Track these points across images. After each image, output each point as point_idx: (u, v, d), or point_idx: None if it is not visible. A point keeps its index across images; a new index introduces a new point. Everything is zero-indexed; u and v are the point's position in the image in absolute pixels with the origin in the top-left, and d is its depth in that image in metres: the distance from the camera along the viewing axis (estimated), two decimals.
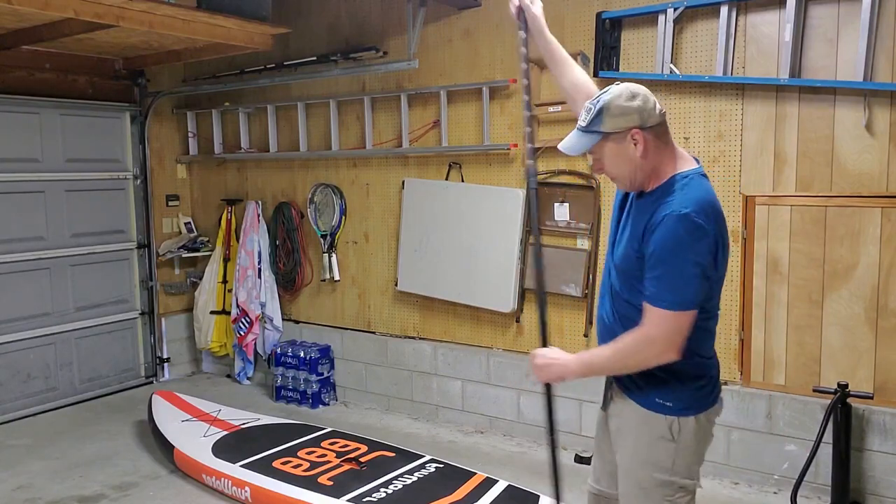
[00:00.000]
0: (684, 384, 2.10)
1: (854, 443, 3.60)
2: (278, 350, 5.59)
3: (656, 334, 2.00)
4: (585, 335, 4.43)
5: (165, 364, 6.21)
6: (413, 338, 5.21)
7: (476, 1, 4.62)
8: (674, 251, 1.96)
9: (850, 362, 3.69)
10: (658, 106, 2.06)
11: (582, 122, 2.08)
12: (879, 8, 3.43)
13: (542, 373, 2.21)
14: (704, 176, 2.11)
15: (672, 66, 3.97)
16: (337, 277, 5.48)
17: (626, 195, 2.22)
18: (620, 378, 2.19)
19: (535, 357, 2.21)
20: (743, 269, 3.93)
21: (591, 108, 2.06)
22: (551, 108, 4.35)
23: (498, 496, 3.51)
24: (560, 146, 2.16)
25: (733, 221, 3.93)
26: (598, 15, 4.14)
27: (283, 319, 5.86)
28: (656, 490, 2.13)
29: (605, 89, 2.10)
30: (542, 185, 4.51)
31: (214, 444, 4.21)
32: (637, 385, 2.15)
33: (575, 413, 4.47)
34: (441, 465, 3.89)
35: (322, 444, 4.19)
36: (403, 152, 5.02)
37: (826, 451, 3.58)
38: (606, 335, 2.21)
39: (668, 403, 2.10)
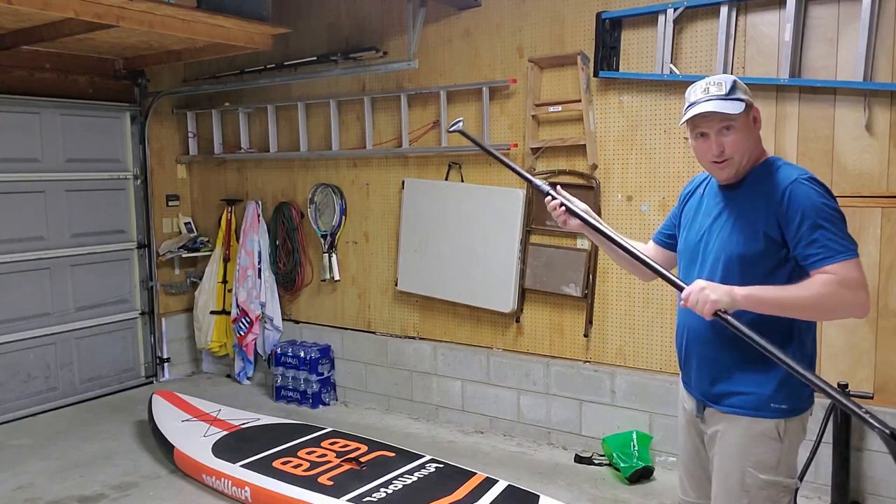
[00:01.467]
0: (795, 381, 2.02)
1: (854, 443, 3.60)
2: (278, 350, 5.59)
3: (860, 279, 1.93)
4: (585, 335, 4.43)
5: (165, 364, 6.21)
6: (413, 338, 5.21)
7: (476, 1, 4.63)
8: (823, 207, 1.97)
9: (850, 362, 3.69)
10: None
11: (720, 91, 2.04)
12: (879, 8, 3.43)
13: (701, 302, 1.96)
14: None
15: (672, 66, 3.97)
16: (337, 277, 5.48)
17: (693, 194, 2.30)
18: (725, 392, 2.12)
19: (697, 286, 1.99)
20: None
21: (720, 83, 2.05)
22: (551, 108, 4.35)
23: (498, 496, 3.51)
24: (706, 108, 2.03)
25: None
26: (598, 15, 4.14)
27: (283, 319, 5.86)
28: (760, 492, 2.09)
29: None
30: None
31: (214, 444, 4.20)
32: (742, 392, 2.09)
33: (575, 413, 4.47)
34: (441, 465, 3.89)
35: (322, 444, 4.19)
36: (403, 152, 5.02)
37: (826, 452, 3.58)
38: (698, 344, 2.17)
39: (783, 406, 2.07)
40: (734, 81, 2.06)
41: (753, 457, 2.08)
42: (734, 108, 2.02)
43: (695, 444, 2.31)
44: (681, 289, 2.03)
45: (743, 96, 2.05)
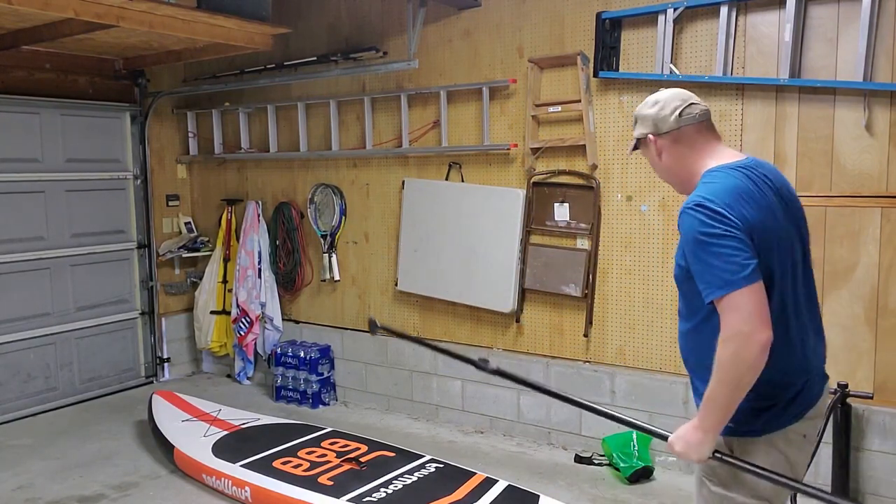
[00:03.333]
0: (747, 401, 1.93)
1: (854, 443, 3.60)
2: (278, 350, 5.59)
3: (739, 317, 1.83)
4: (585, 335, 4.43)
5: (165, 364, 6.21)
6: (413, 338, 5.20)
7: (476, 1, 4.62)
8: (698, 237, 1.89)
9: (850, 362, 3.68)
10: (680, 111, 2.05)
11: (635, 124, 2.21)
12: (879, 8, 3.43)
13: (689, 455, 1.98)
14: (741, 168, 1.99)
15: (672, 66, 3.97)
16: (337, 277, 5.48)
17: None
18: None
19: (673, 447, 2.03)
20: None
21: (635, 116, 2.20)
22: (551, 109, 4.35)
23: (498, 496, 3.51)
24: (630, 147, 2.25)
25: None
26: (598, 15, 4.14)
27: (283, 319, 5.86)
28: None
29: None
30: (542, 185, 4.52)
31: (214, 444, 4.21)
32: (697, 404, 2.07)
33: (575, 413, 4.47)
34: (441, 465, 3.89)
35: (322, 444, 4.19)
36: (403, 152, 5.02)
37: (826, 451, 3.58)
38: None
39: (729, 425, 1.95)
40: (635, 116, 2.15)
41: (710, 469, 2.07)
42: (630, 147, 2.22)
43: None
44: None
45: (635, 133, 2.16)
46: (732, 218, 1.86)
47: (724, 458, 1.96)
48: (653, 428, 2.19)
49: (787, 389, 1.99)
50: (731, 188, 1.92)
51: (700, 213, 1.89)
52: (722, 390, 1.86)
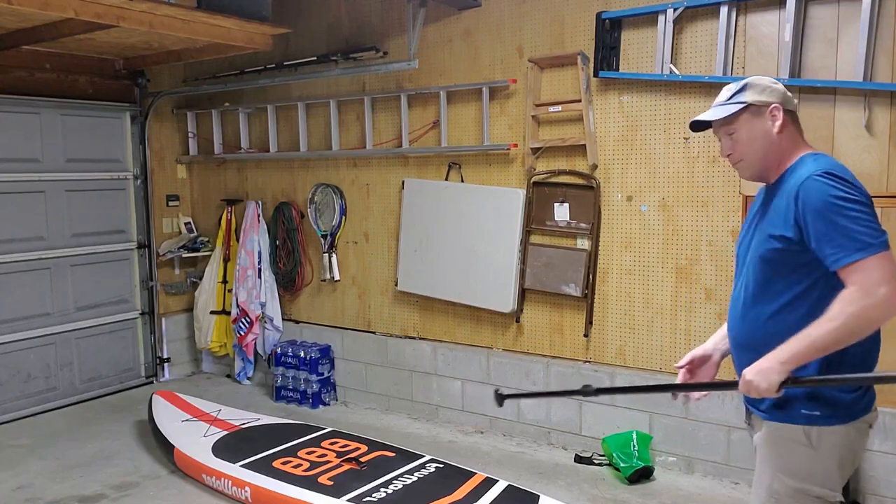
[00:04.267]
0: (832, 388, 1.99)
1: None
2: (278, 350, 5.59)
3: (882, 277, 1.84)
4: (585, 335, 4.43)
5: (165, 364, 6.21)
6: (413, 338, 5.21)
7: (476, 1, 4.62)
8: (834, 202, 1.89)
9: None
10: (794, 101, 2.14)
11: (724, 97, 2.13)
12: (879, 8, 3.43)
13: (759, 383, 1.94)
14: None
15: (672, 66, 3.97)
16: (337, 277, 5.48)
17: (755, 203, 2.25)
18: (759, 403, 2.10)
19: (744, 377, 1.98)
20: None
21: (731, 88, 2.13)
22: (551, 108, 4.35)
23: (498, 496, 3.51)
24: (701, 116, 2.16)
25: (733, 221, 3.94)
26: (598, 15, 4.14)
27: (283, 319, 5.86)
28: (788, 499, 2.04)
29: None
30: (542, 184, 4.52)
31: (214, 444, 4.21)
32: (778, 404, 2.05)
33: (575, 413, 4.47)
34: (441, 465, 3.89)
35: (322, 444, 4.19)
36: (403, 152, 5.02)
37: None
38: (739, 351, 2.17)
39: (814, 413, 2.00)
40: (746, 83, 2.10)
41: (782, 462, 2.06)
42: (722, 112, 2.09)
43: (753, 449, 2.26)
44: (734, 386, 2.04)
45: (745, 98, 2.08)
46: (863, 188, 1.94)
47: (803, 380, 1.93)
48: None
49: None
50: (843, 167, 2.00)
51: (832, 180, 1.91)
52: (828, 337, 1.87)
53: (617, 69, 4.18)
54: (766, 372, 1.92)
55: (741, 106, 2.08)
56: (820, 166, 1.97)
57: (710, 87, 3.91)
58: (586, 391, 2.31)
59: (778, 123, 2.07)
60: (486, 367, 4.83)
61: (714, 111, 2.12)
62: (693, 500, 3.85)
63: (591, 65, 4.22)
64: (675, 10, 3.92)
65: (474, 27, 4.69)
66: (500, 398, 2.57)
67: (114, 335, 5.92)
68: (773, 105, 2.07)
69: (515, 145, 4.55)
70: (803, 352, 1.90)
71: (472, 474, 3.75)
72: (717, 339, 2.35)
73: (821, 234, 1.90)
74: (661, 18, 3.97)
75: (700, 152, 4.00)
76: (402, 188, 5.09)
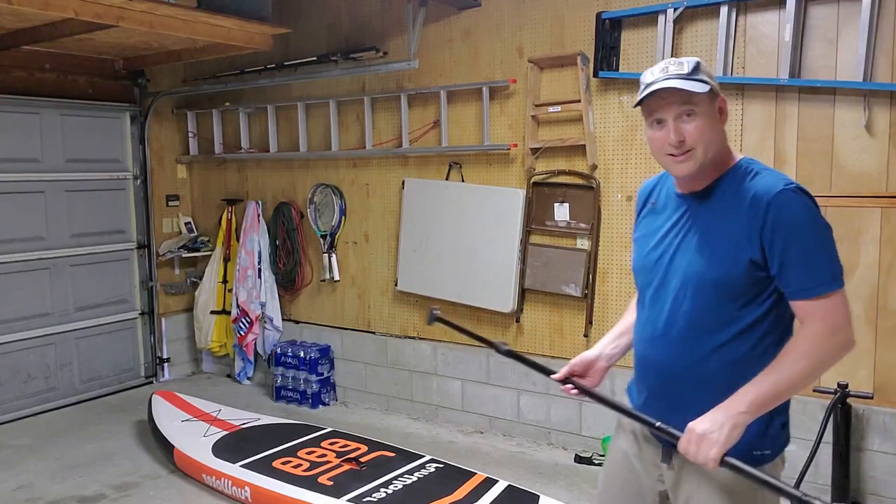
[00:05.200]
0: (773, 418, 1.78)
1: (854, 443, 3.60)
2: (278, 350, 5.59)
3: (846, 315, 1.68)
4: (585, 335, 4.43)
5: (165, 364, 6.21)
6: (413, 338, 5.21)
7: (476, 1, 4.63)
8: (812, 225, 1.68)
9: (850, 362, 3.68)
10: None
11: (680, 71, 1.75)
12: (879, 8, 3.43)
13: (704, 451, 1.67)
14: None
15: None
16: (337, 277, 5.48)
17: (646, 204, 2.00)
18: None
19: (688, 444, 1.70)
20: None
21: (681, 62, 1.77)
22: (551, 109, 4.35)
23: (498, 496, 3.51)
24: (663, 85, 1.74)
25: None
26: (598, 15, 4.14)
27: (283, 319, 5.86)
28: None
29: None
30: (542, 185, 4.52)
31: (214, 444, 4.20)
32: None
33: (575, 413, 4.47)
34: (441, 465, 3.89)
35: (322, 444, 4.19)
36: (403, 152, 5.02)
37: (826, 452, 3.58)
38: (671, 384, 1.87)
39: (765, 452, 1.80)
40: (698, 62, 1.77)
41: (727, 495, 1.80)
42: (697, 87, 1.73)
43: (637, 495, 1.98)
44: (675, 439, 1.74)
45: (707, 79, 1.76)
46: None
47: (739, 467, 1.66)
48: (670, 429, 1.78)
49: None
50: None
51: (809, 198, 1.70)
52: (798, 378, 1.66)
53: (617, 69, 4.18)
54: (727, 430, 1.64)
55: (709, 87, 1.75)
56: (785, 178, 1.74)
57: None
58: (499, 348, 2.17)
59: (726, 117, 1.82)
60: (485, 367, 4.83)
61: (684, 82, 1.73)
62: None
63: (591, 65, 4.22)
64: (675, 9, 3.92)
65: (474, 27, 4.69)
66: (434, 318, 2.40)
67: (114, 335, 5.91)
68: (720, 97, 1.79)
69: (515, 145, 4.55)
70: (769, 396, 1.66)
71: (472, 474, 3.75)
72: (605, 344, 2.11)
73: (793, 258, 1.67)
74: (661, 18, 3.97)
75: None
76: (403, 188, 5.09)
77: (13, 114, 5.21)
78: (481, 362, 4.85)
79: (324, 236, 5.50)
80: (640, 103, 1.81)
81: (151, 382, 6.12)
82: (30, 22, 4.39)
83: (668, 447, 1.84)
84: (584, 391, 2.03)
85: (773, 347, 1.75)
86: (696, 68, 1.76)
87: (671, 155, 1.79)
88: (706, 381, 1.79)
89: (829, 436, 3.52)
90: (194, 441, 4.25)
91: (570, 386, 2.04)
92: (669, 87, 1.73)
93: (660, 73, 1.77)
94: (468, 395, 4.93)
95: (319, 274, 5.62)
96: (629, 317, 2.17)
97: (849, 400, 3.54)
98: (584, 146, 4.28)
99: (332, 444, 4.20)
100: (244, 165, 6.03)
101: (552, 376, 2.09)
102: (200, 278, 6.17)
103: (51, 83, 5.47)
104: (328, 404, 5.49)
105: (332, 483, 3.68)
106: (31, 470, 4.36)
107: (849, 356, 3.57)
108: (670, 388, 1.87)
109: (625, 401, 2.06)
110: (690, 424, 1.70)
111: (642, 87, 1.80)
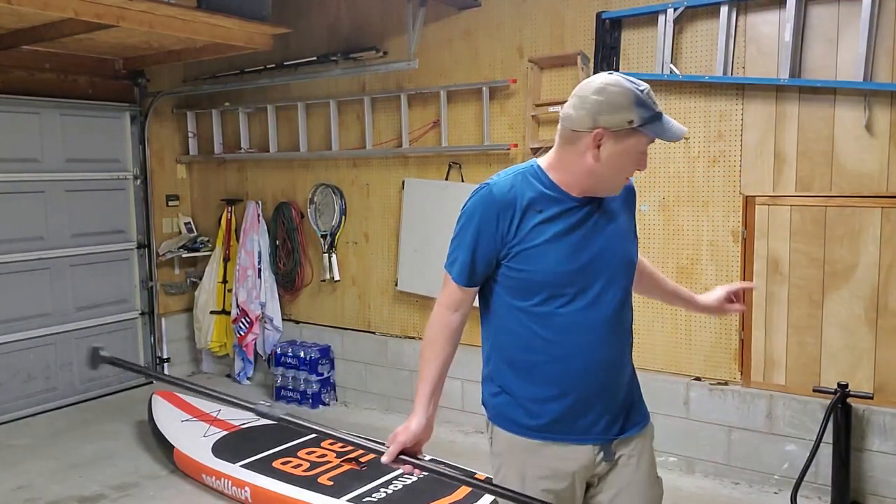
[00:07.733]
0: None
1: (854, 443, 3.60)
2: (278, 350, 5.59)
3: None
4: None
5: (165, 364, 6.20)
6: (413, 338, 5.20)
7: (476, 1, 4.63)
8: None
9: (850, 362, 3.68)
10: None
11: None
12: (879, 8, 3.43)
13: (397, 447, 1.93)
14: None
15: (672, 66, 3.97)
16: (337, 277, 5.48)
17: (527, 211, 2.01)
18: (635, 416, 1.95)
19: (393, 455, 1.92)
20: (743, 269, 3.93)
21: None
22: (551, 108, 4.35)
23: None
24: (680, 132, 1.89)
25: (733, 221, 3.93)
26: (598, 15, 4.14)
27: (283, 319, 5.85)
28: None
29: None
30: None
31: (214, 444, 4.20)
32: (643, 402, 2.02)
33: None
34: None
35: (322, 444, 4.18)
36: (403, 152, 5.02)
37: (826, 452, 3.58)
38: (614, 375, 1.93)
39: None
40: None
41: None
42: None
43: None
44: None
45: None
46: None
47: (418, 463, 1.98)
48: None
49: None
50: None
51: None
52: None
53: (617, 69, 4.18)
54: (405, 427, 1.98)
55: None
56: None
57: (710, 88, 3.91)
58: (265, 413, 2.03)
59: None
60: None
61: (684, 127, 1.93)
62: (693, 500, 3.84)
63: (591, 65, 4.22)
64: (675, 9, 3.92)
65: (474, 27, 4.69)
66: (97, 359, 2.14)
67: (114, 335, 5.91)
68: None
69: (515, 145, 4.55)
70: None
71: (472, 474, 3.74)
72: (424, 407, 2.05)
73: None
74: (661, 18, 3.97)
75: (700, 152, 4.00)
76: (403, 188, 5.09)
77: (13, 114, 5.21)
78: (481, 362, 4.83)
79: (324, 236, 5.50)
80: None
81: (151, 382, 6.11)
82: (30, 22, 4.39)
83: (606, 445, 1.90)
84: (424, 468, 1.99)
85: None
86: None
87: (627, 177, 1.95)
88: (626, 362, 1.96)
89: (829, 436, 3.53)
90: (194, 441, 4.25)
91: (409, 466, 1.97)
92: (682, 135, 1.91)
93: (657, 107, 1.84)
94: (468, 395, 4.93)
95: (319, 274, 5.61)
96: (439, 358, 2.11)
97: (849, 400, 3.54)
98: None
99: (331, 444, 4.19)
100: (244, 165, 6.03)
101: (384, 461, 2.00)
102: (200, 278, 6.17)
103: (51, 83, 5.47)
104: (328, 404, 5.49)
105: (332, 483, 3.68)
106: (31, 470, 4.36)
107: (848, 356, 3.57)
108: (616, 377, 1.91)
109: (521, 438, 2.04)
110: (397, 431, 2.00)
111: (649, 113, 1.82)
